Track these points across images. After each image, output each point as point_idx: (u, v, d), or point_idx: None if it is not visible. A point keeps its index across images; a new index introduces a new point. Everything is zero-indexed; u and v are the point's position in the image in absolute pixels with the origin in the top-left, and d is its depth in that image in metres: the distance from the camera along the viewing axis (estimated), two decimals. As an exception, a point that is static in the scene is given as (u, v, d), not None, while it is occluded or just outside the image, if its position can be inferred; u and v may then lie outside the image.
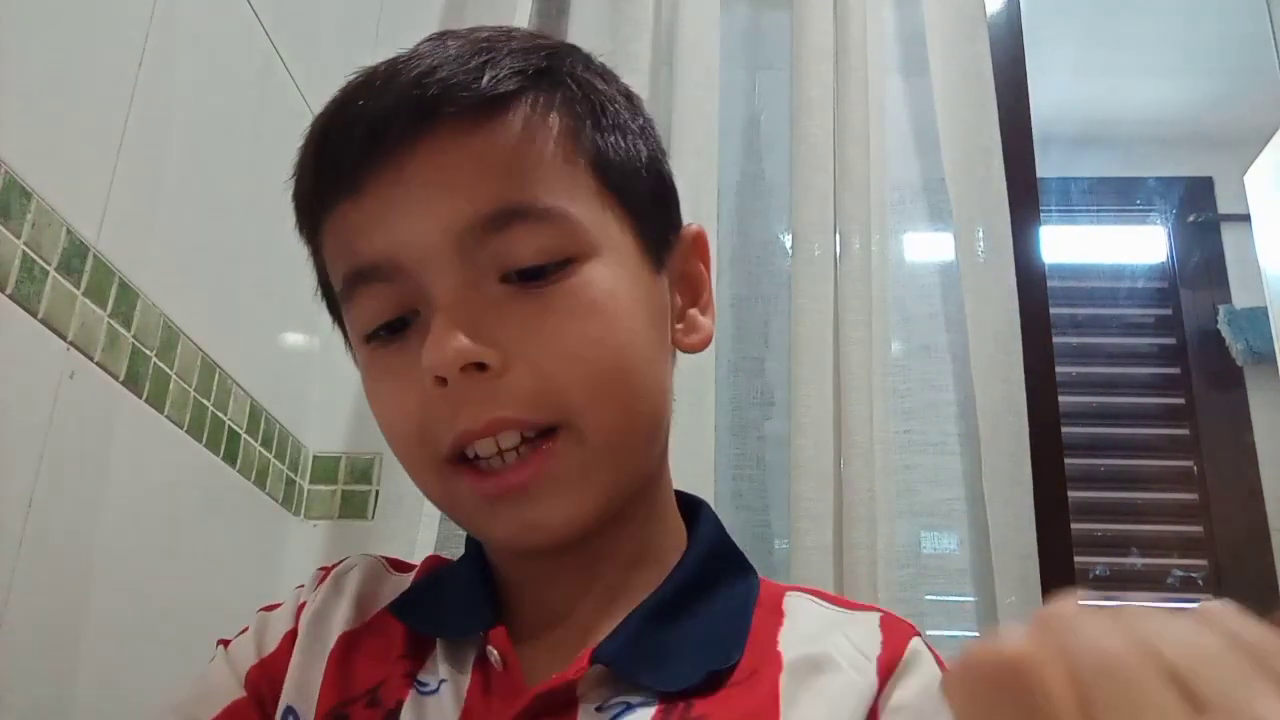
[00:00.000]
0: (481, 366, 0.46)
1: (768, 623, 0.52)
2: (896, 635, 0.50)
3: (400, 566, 0.62)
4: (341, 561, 0.60)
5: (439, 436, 0.48)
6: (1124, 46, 2.05)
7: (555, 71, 0.51)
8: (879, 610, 0.53)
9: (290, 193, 0.55)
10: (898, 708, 0.47)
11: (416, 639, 0.53)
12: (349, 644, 0.54)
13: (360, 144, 0.48)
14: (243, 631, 0.57)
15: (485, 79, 0.48)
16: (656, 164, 0.55)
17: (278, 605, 0.58)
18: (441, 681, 0.50)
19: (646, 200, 0.53)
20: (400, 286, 0.48)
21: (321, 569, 0.60)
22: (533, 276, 0.48)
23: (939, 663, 0.50)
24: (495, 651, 0.49)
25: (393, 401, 0.50)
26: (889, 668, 0.48)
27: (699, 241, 0.57)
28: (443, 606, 0.54)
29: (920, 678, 0.48)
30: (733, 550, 0.56)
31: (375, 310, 0.49)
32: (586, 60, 0.55)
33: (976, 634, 1.17)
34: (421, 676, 0.51)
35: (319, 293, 0.58)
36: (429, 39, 0.52)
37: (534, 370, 0.46)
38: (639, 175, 0.53)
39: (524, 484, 0.47)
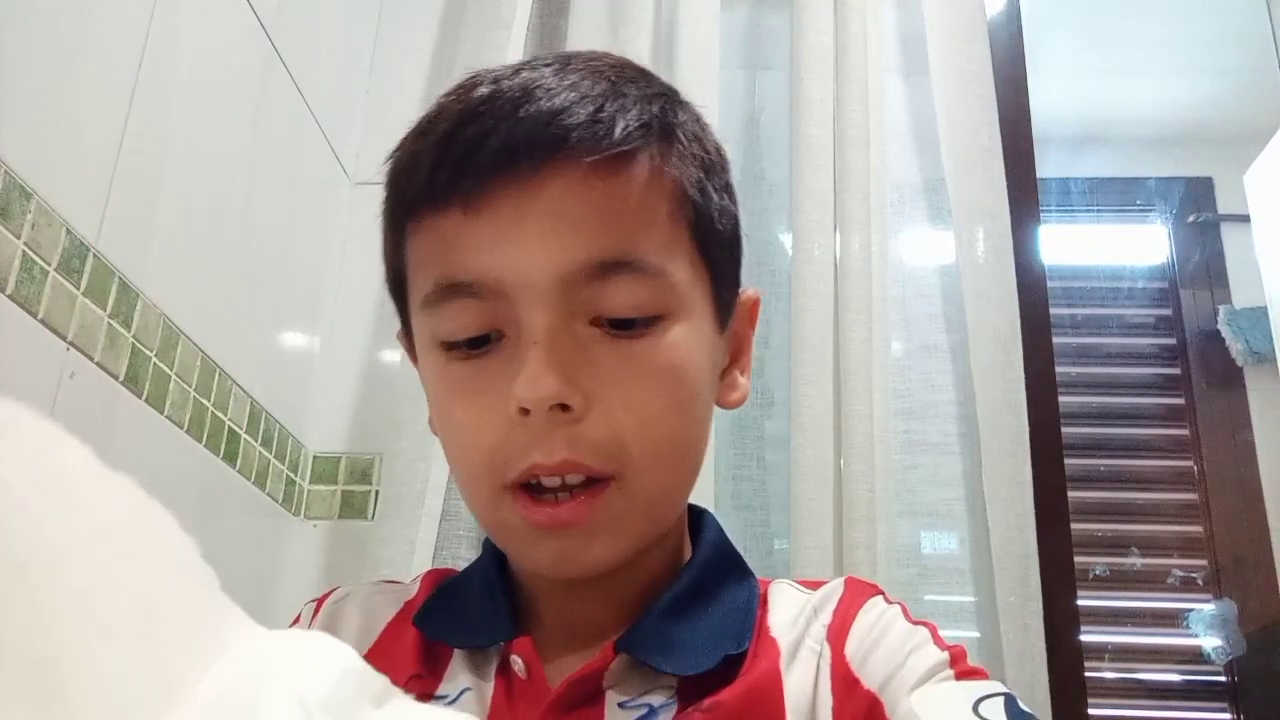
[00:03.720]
0: (565, 407, 0.47)
1: (761, 614, 0.54)
2: (852, 601, 0.53)
3: (392, 583, 0.63)
4: (331, 592, 0.61)
5: (509, 462, 0.49)
6: (1124, 46, 2.04)
7: (671, 127, 0.53)
8: (845, 578, 0.56)
9: (390, 176, 0.54)
10: (856, 654, 0.50)
11: (430, 653, 0.54)
12: None
13: (489, 164, 0.48)
14: None
15: (618, 130, 0.49)
16: (738, 225, 0.57)
17: None
18: (464, 690, 0.52)
19: (727, 262, 0.56)
20: (492, 306, 0.49)
21: (312, 601, 0.61)
22: (621, 326, 0.50)
23: (905, 613, 0.52)
24: (519, 660, 0.51)
25: (468, 419, 0.50)
26: (840, 633, 0.51)
27: (755, 308, 0.60)
28: (464, 616, 0.55)
29: (866, 618, 0.51)
30: (736, 556, 0.58)
31: (462, 324, 0.50)
32: (693, 113, 0.56)
33: (977, 634, 1.17)
34: (440, 690, 0.52)
35: (387, 276, 0.58)
36: (549, 63, 0.52)
37: (607, 420, 0.48)
38: (725, 238, 0.55)
39: (571, 522, 0.49)
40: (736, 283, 0.58)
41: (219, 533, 1.08)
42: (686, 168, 0.53)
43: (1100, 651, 1.97)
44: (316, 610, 0.59)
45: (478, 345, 0.50)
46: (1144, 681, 2.00)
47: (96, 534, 0.21)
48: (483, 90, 0.50)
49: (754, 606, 0.54)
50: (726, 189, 0.56)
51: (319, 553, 1.27)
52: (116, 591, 0.21)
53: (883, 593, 0.54)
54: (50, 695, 0.18)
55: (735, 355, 0.58)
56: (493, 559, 0.58)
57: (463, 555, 1.19)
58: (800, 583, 0.58)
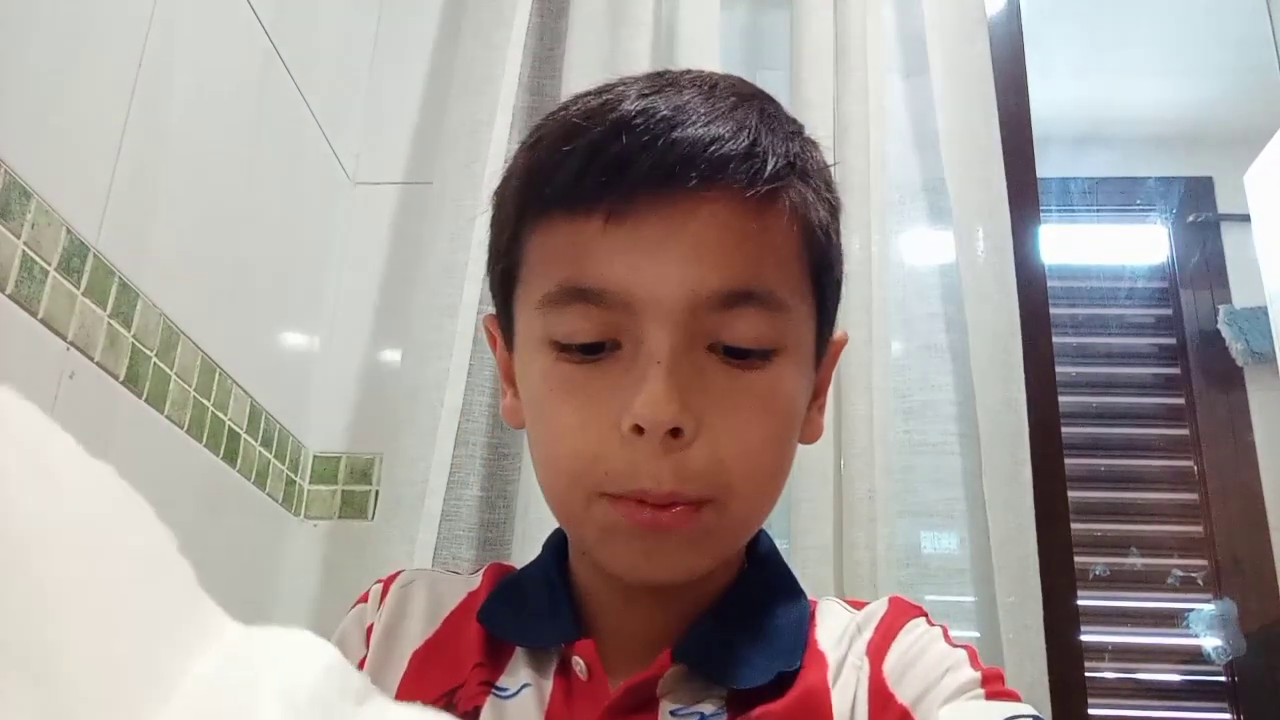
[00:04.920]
0: (677, 432, 0.48)
1: (810, 630, 0.56)
2: (894, 620, 0.54)
3: (455, 572, 0.64)
4: (398, 574, 0.62)
5: (610, 476, 0.50)
6: (1124, 46, 2.05)
7: (808, 168, 0.54)
8: (889, 597, 0.57)
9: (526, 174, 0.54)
10: (893, 670, 0.51)
11: (493, 645, 0.55)
12: (422, 659, 0.57)
13: (641, 179, 0.49)
14: None
15: (770, 166, 0.50)
16: (843, 268, 0.58)
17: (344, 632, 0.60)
18: (524, 685, 0.53)
19: (833, 304, 0.57)
20: (615, 317, 0.50)
21: (379, 582, 0.62)
22: (737, 355, 0.51)
23: (945, 635, 0.53)
24: (581, 661, 0.52)
25: (573, 422, 0.51)
26: (880, 649, 0.52)
27: (840, 348, 0.61)
28: (527, 615, 0.56)
29: (907, 638, 0.52)
30: (788, 572, 0.60)
31: (581, 328, 0.51)
32: (821, 154, 0.57)
33: (976, 634, 1.17)
34: (500, 682, 0.54)
35: (491, 266, 0.58)
36: (696, 83, 0.53)
37: (713, 449, 0.49)
38: (837, 281, 0.57)
39: (670, 527, 0.50)
40: (833, 324, 0.59)
41: (219, 533, 1.08)
42: (819, 211, 0.54)
43: (1100, 651, 1.97)
44: (385, 591, 0.61)
45: (590, 351, 0.51)
46: (1144, 681, 2.00)
47: (85, 519, 0.21)
48: (633, 104, 0.50)
49: (806, 624, 0.56)
50: (839, 233, 0.57)
51: (319, 553, 1.27)
52: (106, 577, 0.21)
53: (926, 614, 0.55)
54: (46, 678, 0.18)
55: (816, 393, 0.59)
56: (553, 559, 0.59)
57: (463, 555, 1.19)
58: (847, 602, 0.59)
